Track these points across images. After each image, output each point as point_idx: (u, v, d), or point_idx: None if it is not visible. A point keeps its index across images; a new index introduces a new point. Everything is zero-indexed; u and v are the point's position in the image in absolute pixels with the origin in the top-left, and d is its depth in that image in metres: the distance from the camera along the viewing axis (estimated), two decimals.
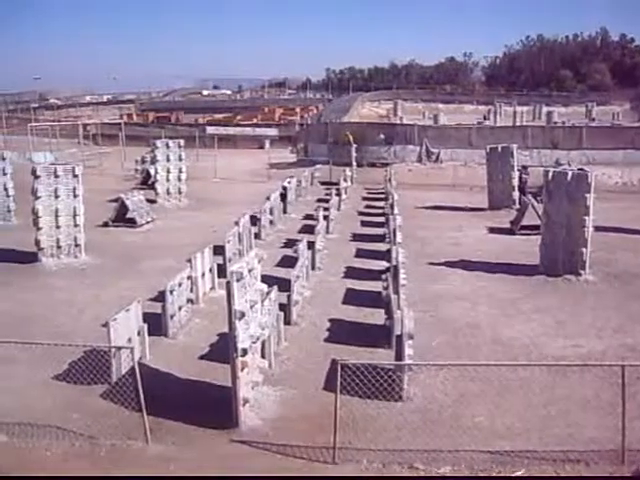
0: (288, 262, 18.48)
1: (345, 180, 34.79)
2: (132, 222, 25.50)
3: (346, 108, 69.92)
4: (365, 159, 42.57)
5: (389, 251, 18.84)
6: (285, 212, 28.46)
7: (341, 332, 14.51)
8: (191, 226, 25.82)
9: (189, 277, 15.59)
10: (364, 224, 27.22)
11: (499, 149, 30.23)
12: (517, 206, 27.92)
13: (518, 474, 9.13)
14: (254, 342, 10.68)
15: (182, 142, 32.05)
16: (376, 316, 15.41)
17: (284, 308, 14.47)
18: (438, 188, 35.40)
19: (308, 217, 27.17)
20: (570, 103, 79.02)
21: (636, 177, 36.31)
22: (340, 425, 9.57)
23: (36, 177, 19.86)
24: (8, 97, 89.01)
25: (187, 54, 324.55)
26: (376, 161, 42.76)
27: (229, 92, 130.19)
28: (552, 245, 19.08)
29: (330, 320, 15.28)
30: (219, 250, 18.46)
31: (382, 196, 33.19)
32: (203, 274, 16.78)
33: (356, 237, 24.47)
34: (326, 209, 25.68)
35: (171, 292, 14.17)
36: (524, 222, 24.45)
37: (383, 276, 17.23)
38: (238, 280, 10.01)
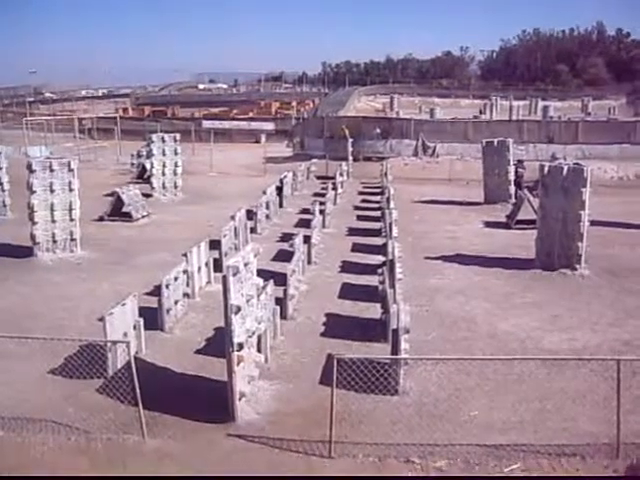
0: (284, 256, 18.49)
1: (341, 174, 34.77)
2: (128, 216, 25.47)
3: (342, 102, 69.86)
4: (361, 153, 42.56)
5: (385, 245, 18.84)
6: (281, 206, 28.45)
7: (337, 326, 14.53)
8: (187, 220, 25.80)
9: (185, 271, 15.58)
10: (360, 218, 27.22)
11: (495, 143, 30.24)
12: (513, 200, 27.96)
13: (514, 467, 9.16)
14: (250, 336, 10.69)
15: (178, 136, 32.01)
16: (372, 310, 15.42)
17: (280, 302, 14.46)
18: (434, 182, 35.44)
19: (304, 211, 27.16)
20: (566, 97, 79.05)
21: (632, 172, 36.38)
22: (336, 419, 9.60)
23: (31, 171, 19.81)
24: (3, 91, 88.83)
25: (184, 48, 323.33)
26: (372, 155, 42.73)
27: (225, 86, 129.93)
28: (548, 239, 19.12)
29: (326, 314, 15.30)
30: (215, 244, 18.46)
31: (378, 190, 33.19)
32: (199, 268, 16.78)
33: (352, 231, 24.48)
34: (322, 203, 25.70)
35: (167, 286, 14.16)
36: (520, 216, 24.50)
37: (379, 270, 17.25)
38: (234, 274, 10.00)
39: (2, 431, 10.03)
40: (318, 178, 37.78)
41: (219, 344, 11.19)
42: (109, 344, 11.67)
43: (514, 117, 57.50)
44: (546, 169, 19.30)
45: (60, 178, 20.08)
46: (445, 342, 13.65)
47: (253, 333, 10.87)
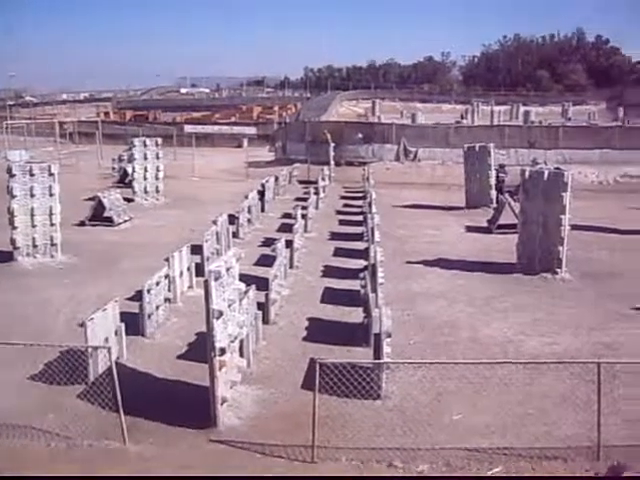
0: (266, 261, 18.46)
1: (323, 179, 34.82)
2: (109, 221, 25.33)
3: (324, 107, 69.93)
4: (343, 158, 42.63)
5: (367, 250, 18.88)
6: (263, 211, 28.42)
7: (319, 331, 14.52)
8: (169, 225, 25.71)
9: (167, 276, 15.52)
10: (342, 223, 27.26)
11: (477, 148, 30.41)
12: (494, 205, 28.10)
13: (495, 470, 9.19)
14: (232, 341, 10.65)
15: (160, 140, 31.93)
16: (354, 315, 15.43)
17: (262, 307, 14.44)
18: (416, 187, 35.57)
19: (286, 216, 27.15)
20: (547, 103, 79.62)
21: (612, 176, 36.73)
22: (318, 424, 9.59)
23: (11, 176, 19.66)
24: None
25: (166, 53, 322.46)
26: (354, 160, 42.81)
27: (207, 90, 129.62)
28: (529, 244, 19.24)
29: (308, 319, 15.29)
30: (197, 249, 18.39)
31: (360, 195, 33.25)
32: (181, 273, 16.72)
33: (334, 236, 24.49)
34: (304, 208, 25.70)
35: (148, 291, 14.09)
36: (501, 221, 24.63)
37: (361, 275, 17.27)
38: (216, 279, 9.97)
39: None
40: (300, 183, 37.80)
41: (201, 349, 11.14)
42: (90, 350, 11.59)
43: (495, 122, 57.87)
44: (527, 174, 19.43)
45: (40, 182, 19.94)
46: (427, 346, 13.68)
47: (235, 338, 10.83)
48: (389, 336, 11.32)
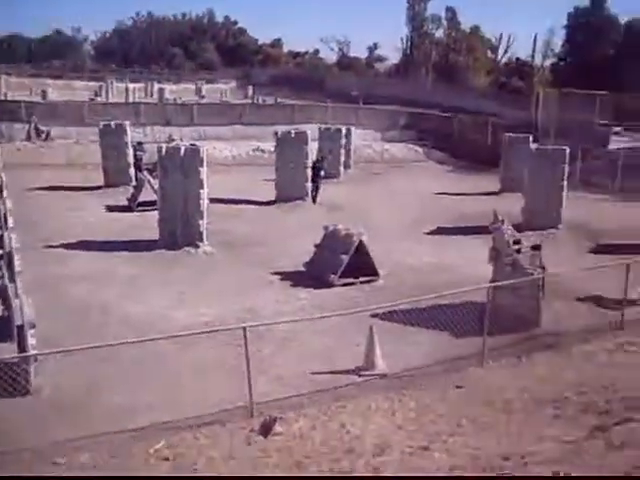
0: None
1: None
2: None
3: None
4: None
5: (1, 238, 17.51)
6: None
7: None
8: None
9: None
10: None
11: (112, 126, 29.82)
12: (134, 183, 27.90)
13: (158, 446, 9.23)
14: None
15: None
16: None
17: None
18: (52, 168, 33.68)
19: None
20: (181, 81, 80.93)
21: (245, 150, 38.67)
22: None
23: None
24: None
25: None
26: None
27: None
28: (170, 219, 19.51)
29: None
30: None
31: None
32: None
33: None
34: None
35: None
36: (141, 198, 24.57)
37: None
38: None
39: None
40: None
41: None
42: None
43: (131, 100, 57.27)
44: (164, 150, 19.62)
45: None
46: (77, 332, 13.13)
47: None
48: (33, 326, 10.69)
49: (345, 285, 16.65)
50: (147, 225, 20.85)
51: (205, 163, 19.52)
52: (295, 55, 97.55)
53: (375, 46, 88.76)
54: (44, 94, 57.01)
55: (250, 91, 64.20)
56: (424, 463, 8.56)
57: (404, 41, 78.23)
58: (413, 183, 32.40)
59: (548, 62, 70.58)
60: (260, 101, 55.57)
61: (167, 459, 8.99)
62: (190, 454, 9.12)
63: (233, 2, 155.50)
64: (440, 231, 22.87)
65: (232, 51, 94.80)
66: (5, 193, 21.15)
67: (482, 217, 20.78)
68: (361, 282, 16.85)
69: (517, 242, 14.98)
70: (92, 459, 8.99)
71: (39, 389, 10.71)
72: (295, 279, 17.11)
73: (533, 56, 68.70)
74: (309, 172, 26.67)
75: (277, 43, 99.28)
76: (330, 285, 16.54)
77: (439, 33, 78.33)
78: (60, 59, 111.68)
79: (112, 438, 9.37)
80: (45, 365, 11.13)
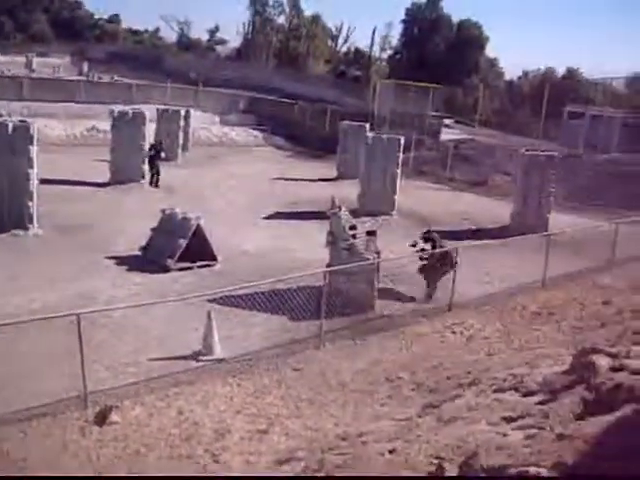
0: None
1: None
2: None
3: None
4: None
5: None
6: None
7: None
8: None
9: None
10: None
11: None
12: None
13: None
14: None
15: None
16: None
17: None
18: None
19: None
20: (9, 52, 76.26)
21: (79, 130, 37.10)
22: None
23: None
24: None
25: None
26: None
27: None
28: None
29: None
30: None
31: None
32: None
33: None
34: None
35: None
36: None
37: None
38: None
39: None
40: None
41: None
42: None
43: None
44: None
45: None
46: None
47: None
48: None
49: (182, 270, 16.44)
50: None
51: (35, 141, 18.53)
52: (134, 32, 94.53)
53: (217, 28, 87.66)
54: None
55: (85, 67, 61.49)
56: (263, 447, 8.65)
57: (246, 25, 78.00)
58: (252, 167, 32.47)
59: (385, 54, 72.97)
60: (96, 78, 53.37)
61: None
62: (18, 449, 8.67)
63: None
64: (278, 216, 23.09)
65: (66, 24, 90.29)
66: None
67: (319, 202, 21.25)
68: (199, 267, 16.69)
69: (353, 227, 15.41)
70: None
71: None
72: (131, 263, 16.67)
73: (371, 47, 70.75)
74: (146, 154, 26.03)
75: (115, 19, 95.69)
76: (167, 270, 16.28)
77: (281, 19, 78.72)
78: None
79: None
80: None
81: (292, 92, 48.12)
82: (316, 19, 75.29)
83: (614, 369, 5.85)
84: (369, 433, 7.17)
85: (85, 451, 8.63)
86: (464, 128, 43.38)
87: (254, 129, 43.85)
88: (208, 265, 16.90)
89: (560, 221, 22.46)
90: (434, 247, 15.25)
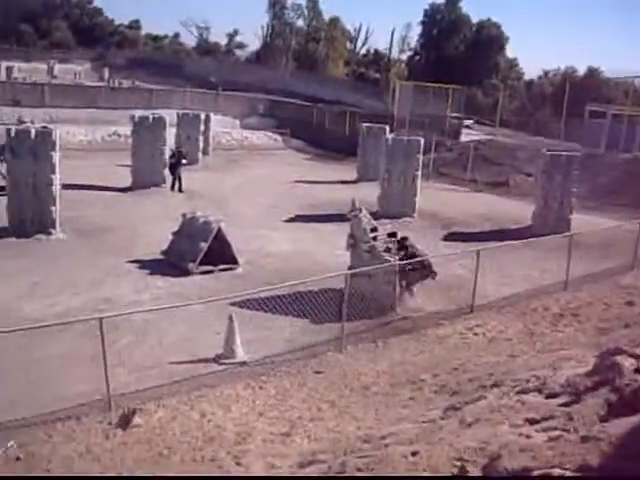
0: None
1: None
2: None
3: None
4: None
5: None
6: None
7: None
8: None
9: None
10: None
11: None
12: None
13: (11, 444, 8.79)
14: None
15: None
16: None
17: None
18: None
19: None
20: (31, 59, 77.00)
21: (100, 135, 37.41)
22: None
23: None
24: None
25: None
26: None
27: None
28: (20, 205, 18.59)
29: None
30: None
31: None
32: None
33: None
34: None
35: None
36: None
37: None
38: None
39: None
40: None
41: None
42: None
43: None
44: (13, 133, 18.64)
45: None
46: None
47: None
48: None
49: (204, 273, 16.49)
50: None
51: (58, 147, 18.71)
52: (154, 38, 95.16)
53: (235, 32, 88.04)
54: None
55: (106, 73, 62.00)
56: (285, 450, 8.65)
57: (265, 29, 78.25)
58: (272, 171, 32.55)
59: (404, 56, 72.90)
60: (117, 84, 53.81)
61: (18, 459, 8.58)
62: (43, 452, 8.74)
63: None
64: (299, 219, 23.11)
65: (87, 31, 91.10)
66: None
67: (340, 205, 21.25)
68: (220, 270, 16.74)
69: (374, 229, 15.38)
70: None
71: None
72: (152, 267, 16.75)
73: (390, 49, 70.72)
74: (167, 159, 26.17)
75: (135, 25, 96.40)
76: (188, 273, 16.34)
77: (299, 22, 78.90)
78: None
79: None
80: None
81: (311, 95, 48.20)
82: (335, 21, 75.35)
83: (638, 370, 5.78)
84: (391, 435, 7.14)
85: (108, 454, 8.68)
86: (484, 129, 43.20)
87: (274, 132, 43.99)
88: (229, 268, 16.94)
89: (582, 221, 22.28)
90: (406, 254, 15.02)
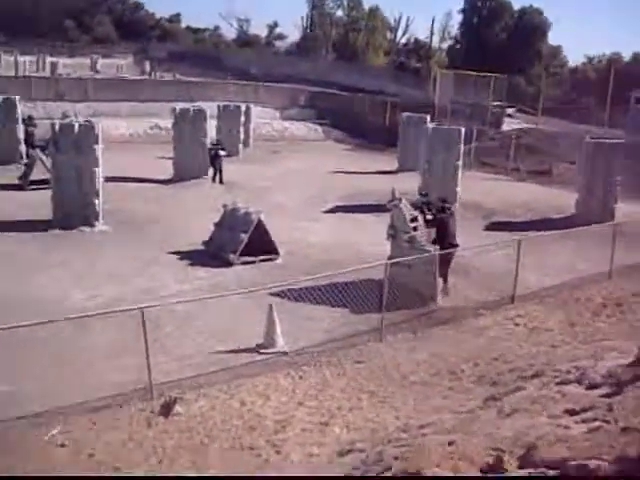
0: None
1: None
2: None
3: None
4: None
5: None
6: None
7: None
8: None
9: None
10: None
11: (1, 100, 28.54)
12: (25, 160, 26.81)
13: (54, 432, 9.00)
14: None
15: None
16: None
17: None
18: None
19: None
20: (75, 54, 78.09)
21: (142, 128, 37.83)
22: None
23: None
24: None
25: None
26: None
27: None
28: (64, 198, 18.90)
29: None
30: None
31: None
32: None
33: None
34: None
35: None
36: (33, 176, 23.69)
37: None
38: None
39: None
40: None
41: None
42: None
43: (21, 73, 54.92)
44: (57, 127, 18.95)
45: None
46: None
47: None
48: None
49: (245, 264, 16.60)
50: (41, 204, 20.08)
51: (100, 140, 18.99)
52: (195, 31, 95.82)
53: (275, 24, 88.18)
54: None
55: (148, 67, 62.60)
56: (325, 439, 8.70)
57: (304, 20, 78.23)
58: (312, 161, 32.56)
59: (445, 45, 72.24)
60: (158, 77, 54.33)
61: (63, 445, 8.78)
62: (87, 439, 8.93)
63: None
64: (338, 209, 23.10)
65: (129, 25, 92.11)
66: None
67: (380, 195, 21.17)
68: (261, 261, 16.84)
69: (414, 220, 15.31)
70: None
71: None
72: (194, 258, 16.93)
73: (431, 38, 70.13)
74: (207, 152, 26.36)
75: (175, 18, 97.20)
76: (230, 264, 16.47)
77: (339, 12, 78.68)
78: None
79: (6, 425, 9.05)
80: None
81: (352, 85, 48.01)
82: (374, 11, 74.95)
83: None
84: (430, 425, 7.15)
85: (150, 442, 8.83)
86: (527, 117, 42.58)
87: (314, 123, 43.95)
88: (270, 259, 17.03)
89: (626, 210, 21.87)
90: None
